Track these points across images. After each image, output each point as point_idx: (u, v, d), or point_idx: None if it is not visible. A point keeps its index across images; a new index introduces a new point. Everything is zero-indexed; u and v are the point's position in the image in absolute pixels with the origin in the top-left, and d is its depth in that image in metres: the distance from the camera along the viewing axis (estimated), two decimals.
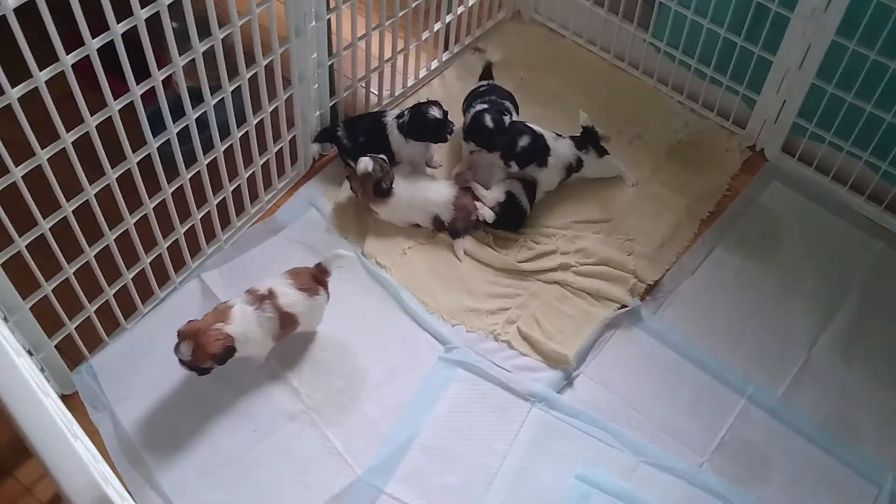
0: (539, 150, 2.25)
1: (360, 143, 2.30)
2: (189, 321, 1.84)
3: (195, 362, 1.81)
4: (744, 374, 2.07)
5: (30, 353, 1.78)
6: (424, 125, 2.25)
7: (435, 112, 2.24)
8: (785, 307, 2.21)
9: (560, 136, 2.34)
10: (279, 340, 1.95)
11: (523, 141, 2.21)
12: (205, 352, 1.80)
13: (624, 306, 2.16)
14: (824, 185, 2.43)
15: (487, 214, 2.23)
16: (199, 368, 1.83)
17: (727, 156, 2.51)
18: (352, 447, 1.91)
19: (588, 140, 2.36)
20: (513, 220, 2.28)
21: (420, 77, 2.64)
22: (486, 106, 2.30)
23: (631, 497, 1.86)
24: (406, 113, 2.29)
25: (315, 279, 1.98)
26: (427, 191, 2.26)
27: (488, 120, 2.25)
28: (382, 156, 2.23)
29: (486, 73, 2.53)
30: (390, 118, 2.32)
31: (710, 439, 1.98)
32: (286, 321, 1.92)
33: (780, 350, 2.13)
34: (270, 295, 1.90)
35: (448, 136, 2.29)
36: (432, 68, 2.66)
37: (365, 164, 2.19)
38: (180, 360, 1.83)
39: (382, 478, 1.86)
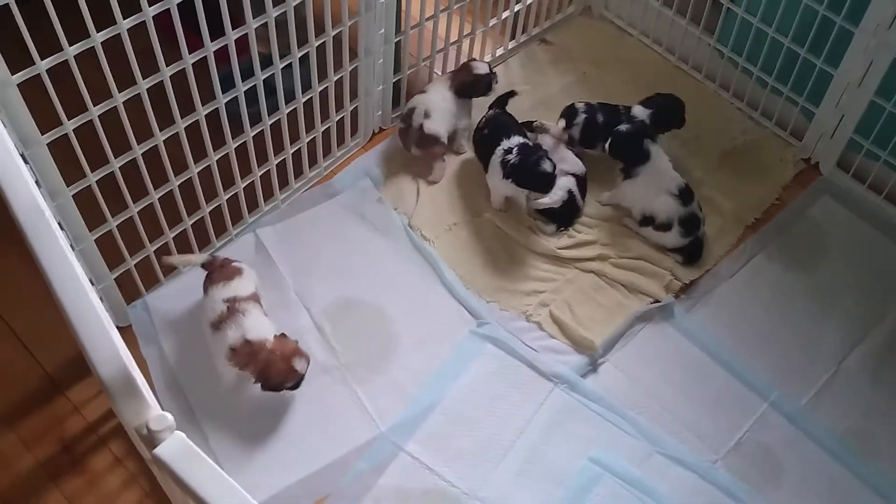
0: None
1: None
2: (267, 359, 1.88)
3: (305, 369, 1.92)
4: (769, 380, 2.09)
5: (91, 283, 1.93)
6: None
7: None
8: (819, 320, 2.22)
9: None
10: None
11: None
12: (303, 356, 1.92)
13: (657, 301, 2.20)
14: (876, 204, 2.43)
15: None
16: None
17: (780, 166, 2.52)
18: (378, 405, 2.00)
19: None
20: (569, 218, 2.33)
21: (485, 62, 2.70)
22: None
23: (641, 484, 1.91)
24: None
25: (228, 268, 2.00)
26: None
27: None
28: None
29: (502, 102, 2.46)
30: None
31: (727, 439, 2.01)
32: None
33: (809, 361, 2.15)
34: (250, 296, 1.95)
35: None
36: (497, 55, 2.73)
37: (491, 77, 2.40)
38: (297, 382, 1.91)
39: (404, 436, 1.95)
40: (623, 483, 1.91)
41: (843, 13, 2.19)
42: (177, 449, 0.81)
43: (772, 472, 1.97)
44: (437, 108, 2.36)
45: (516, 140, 2.25)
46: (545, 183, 2.20)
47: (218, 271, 1.97)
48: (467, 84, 2.41)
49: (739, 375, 2.10)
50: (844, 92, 2.32)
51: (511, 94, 2.44)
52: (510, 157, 2.21)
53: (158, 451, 0.80)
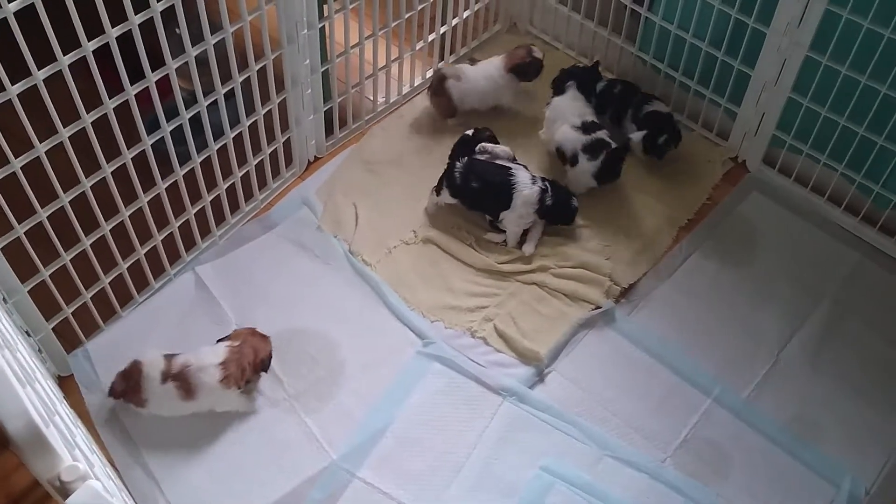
0: None
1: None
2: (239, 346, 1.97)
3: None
4: (712, 376, 2.14)
5: (28, 334, 1.91)
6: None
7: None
8: (758, 313, 2.27)
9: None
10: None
11: None
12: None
13: (598, 307, 2.24)
14: (803, 197, 2.50)
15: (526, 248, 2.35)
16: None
17: (709, 166, 2.58)
18: (328, 433, 2.00)
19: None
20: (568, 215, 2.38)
21: (416, 85, 2.74)
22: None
23: (592, 489, 1.94)
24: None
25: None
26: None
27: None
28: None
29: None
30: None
31: (674, 437, 2.04)
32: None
33: (750, 353, 2.19)
34: (170, 356, 1.95)
35: None
36: (427, 77, 2.76)
37: None
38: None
39: (356, 463, 1.95)
40: (575, 489, 1.93)
41: (753, 15, 2.27)
42: (89, 499, 0.81)
43: (719, 466, 2.01)
44: (474, 77, 2.56)
45: (528, 176, 2.31)
46: (573, 217, 2.37)
47: (126, 379, 1.92)
48: (524, 65, 2.57)
49: (682, 374, 2.14)
50: (763, 91, 2.39)
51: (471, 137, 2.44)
52: (547, 197, 2.29)
53: (70, 501, 0.81)
